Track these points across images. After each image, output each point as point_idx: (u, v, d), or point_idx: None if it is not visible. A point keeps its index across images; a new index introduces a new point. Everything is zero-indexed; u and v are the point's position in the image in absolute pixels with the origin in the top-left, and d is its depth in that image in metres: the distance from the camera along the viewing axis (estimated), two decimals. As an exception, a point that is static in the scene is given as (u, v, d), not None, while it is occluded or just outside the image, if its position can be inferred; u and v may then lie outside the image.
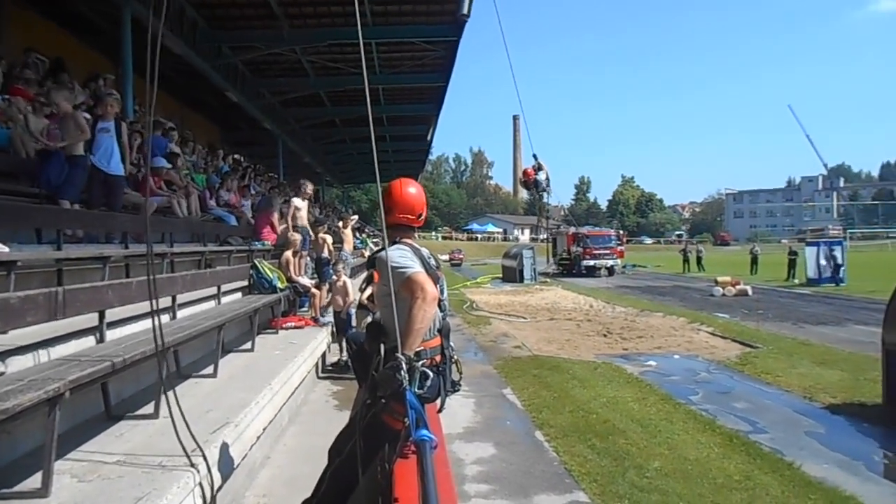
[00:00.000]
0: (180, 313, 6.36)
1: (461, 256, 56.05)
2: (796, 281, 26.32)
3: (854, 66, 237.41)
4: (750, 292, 21.61)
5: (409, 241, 3.36)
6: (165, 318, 6.07)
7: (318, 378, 8.52)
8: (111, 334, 4.89)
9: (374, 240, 27.79)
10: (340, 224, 14.17)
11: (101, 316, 4.69)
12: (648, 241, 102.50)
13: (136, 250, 7.14)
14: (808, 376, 8.85)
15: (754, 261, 33.37)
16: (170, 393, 3.48)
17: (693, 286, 26.79)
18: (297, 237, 9.98)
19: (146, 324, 5.56)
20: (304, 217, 11.33)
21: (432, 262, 3.34)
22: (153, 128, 10.53)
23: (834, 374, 8.92)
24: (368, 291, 7.45)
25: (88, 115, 7.40)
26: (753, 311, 16.76)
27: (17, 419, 2.90)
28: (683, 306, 18.69)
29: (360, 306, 9.25)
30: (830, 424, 6.94)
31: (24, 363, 3.87)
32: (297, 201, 11.24)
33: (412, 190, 3.46)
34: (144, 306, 5.52)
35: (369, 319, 4.79)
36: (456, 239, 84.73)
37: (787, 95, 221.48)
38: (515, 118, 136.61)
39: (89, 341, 4.67)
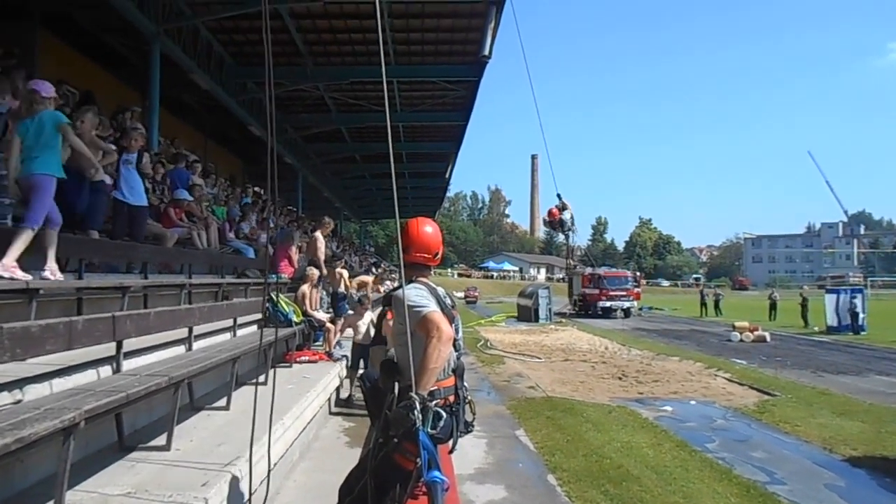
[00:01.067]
0: (196, 345, 6.38)
1: (476, 294, 56.01)
2: (816, 328, 25.93)
3: (875, 114, 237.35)
4: (768, 339, 21.32)
5: (425, 279, 3.38)
6: (181, 349, 6.10)
7: (330, 413, 8.46)
8: (127, 364, 4.91)
9: (392, 275, 27.91)
10: (372, 280, 14.64)
11: (119, 346, 4.72)
12: (665, 283, 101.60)
13: (154, 280, 7.24)
14: (828, 427, 8.66)
15: (773, 306, 32.95)
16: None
17: (710, 331, 26.46)
18: (315, 271, 10.04)
19: (162, 354, 5.64)
20: (322, 251, 11.44)
21: (448, 301, 3.35)
22: (177, 160, 10.82)
23: (855, 426, 8.72)
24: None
25: (114, 147, 7.56)
26: (772, 358, 16.50)
27: (31, 448, 2.89)
28: (700, 351, 18.42)
29: (375, 342, 9.24)
30: (851, 478, 6.76)
31: (41, 391, 3.89)
32: (319, 236, 11.35)
33: (429, 229, 3.49)
34: (160, 337, 5.60)
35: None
36: (472, 276, 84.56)
37: (807, 141, 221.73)
38: (534, 157, 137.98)
39: (106, 371, 4.69)
